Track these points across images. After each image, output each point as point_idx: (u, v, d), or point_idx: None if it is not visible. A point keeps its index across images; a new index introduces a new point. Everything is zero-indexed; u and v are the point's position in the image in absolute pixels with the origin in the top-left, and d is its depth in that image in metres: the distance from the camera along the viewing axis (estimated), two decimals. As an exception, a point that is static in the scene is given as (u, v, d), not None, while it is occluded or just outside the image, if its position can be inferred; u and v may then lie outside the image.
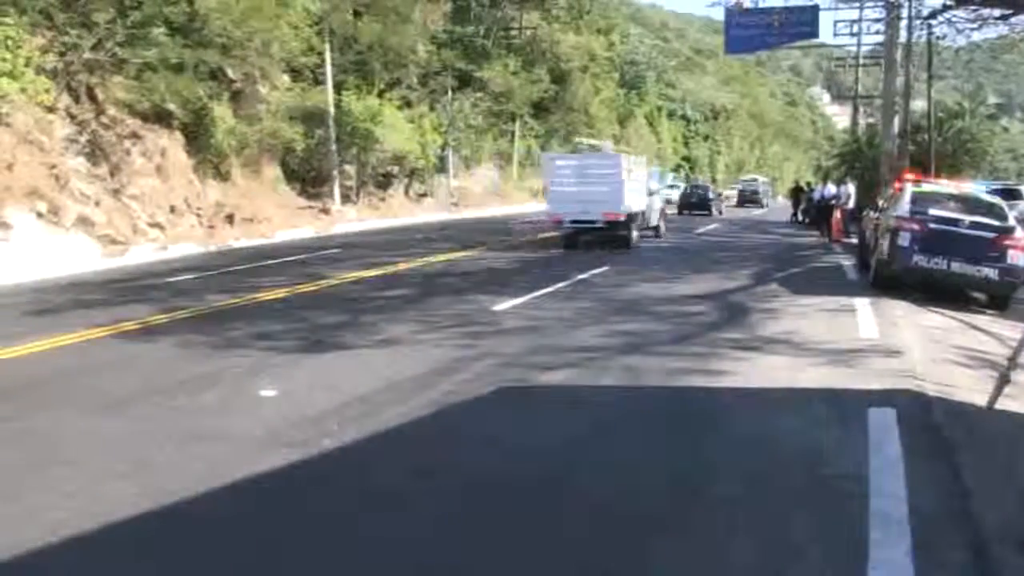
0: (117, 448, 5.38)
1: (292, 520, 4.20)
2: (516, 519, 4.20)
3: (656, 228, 23.19)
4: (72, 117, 20.00)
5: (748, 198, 51.81)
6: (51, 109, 18.95)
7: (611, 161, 20.48)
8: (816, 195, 27.92)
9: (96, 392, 6.85)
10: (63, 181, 18.32)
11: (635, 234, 20.14)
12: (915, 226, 11.76)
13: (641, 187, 21.05)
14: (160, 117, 22.67)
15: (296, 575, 3.66)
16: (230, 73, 25.69)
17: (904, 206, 12.33)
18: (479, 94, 40.19)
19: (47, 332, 9.28)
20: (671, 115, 73.58)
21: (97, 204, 18.88)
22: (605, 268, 14.91)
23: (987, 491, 4.36)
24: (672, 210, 33.34)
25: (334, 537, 4.00)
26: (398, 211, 32.70)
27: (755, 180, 59.24)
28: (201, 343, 8.69)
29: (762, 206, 49.90)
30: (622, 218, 19.14)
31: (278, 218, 24.76)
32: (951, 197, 12.80)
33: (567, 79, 48.87)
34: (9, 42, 15.46)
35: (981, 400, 6.03)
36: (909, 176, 14.65)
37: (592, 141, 39.77)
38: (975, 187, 15.30)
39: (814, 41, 33.78)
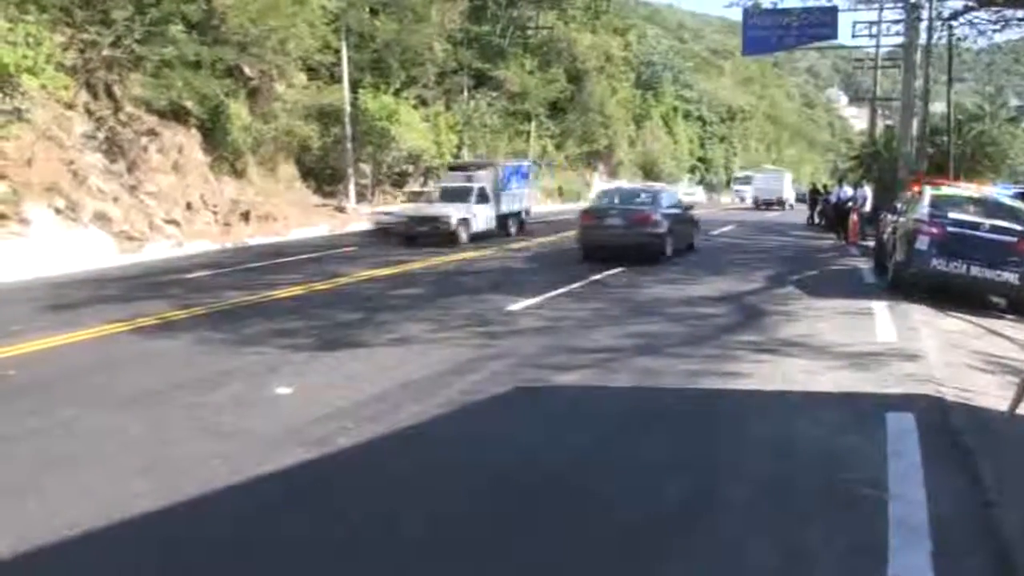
0: (135, 444, 5.40)
1: (307, 519, 4.19)
2: (530, 519, 4.19)
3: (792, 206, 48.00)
4: (90, 114, 20.16)
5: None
6: (70, 106, 19.11)
7: (779, 173, 54.12)
8: (833, 197, 27.77)
9: (114, 388, 6.89)
10: (81, 177, 18.46)
11: (785, 206, 47.57)
12: (934, 229, 11.65)
13: (789, 186, 51.53)
14: (177, 114, 22.81)
15: (310, 573, 3.66)
16: (247, 71, 25.82)
17: (923, 209, 12.21)
18: (495, 93, 40.18)
19: (66, 328, 9.35)
20: (687, 116, 73.26)
21: (114, 200, 19.00)
22: (620, 269, 14.86)
23: (1008, 498, 4.30)
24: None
25: (348, 536, 4.00)
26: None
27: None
28: (218, 340, 8.73)
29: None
30: (783, 199, 49.15)
31: (293, 216, 24.84)
32: (971, 200, 12.66)
33: (583, 79, 48.78)
34: (30, 39, 15.55)
35: (1002, 406, 5.96)
36: (928, 179, 14.51)
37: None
38: (996, 190, 15.14)
39: (832, 42, 33.53)
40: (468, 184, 22.43)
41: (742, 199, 57.14)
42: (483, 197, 22.17)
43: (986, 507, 4.23)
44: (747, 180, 61.22)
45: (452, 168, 26.16)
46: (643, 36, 73.43)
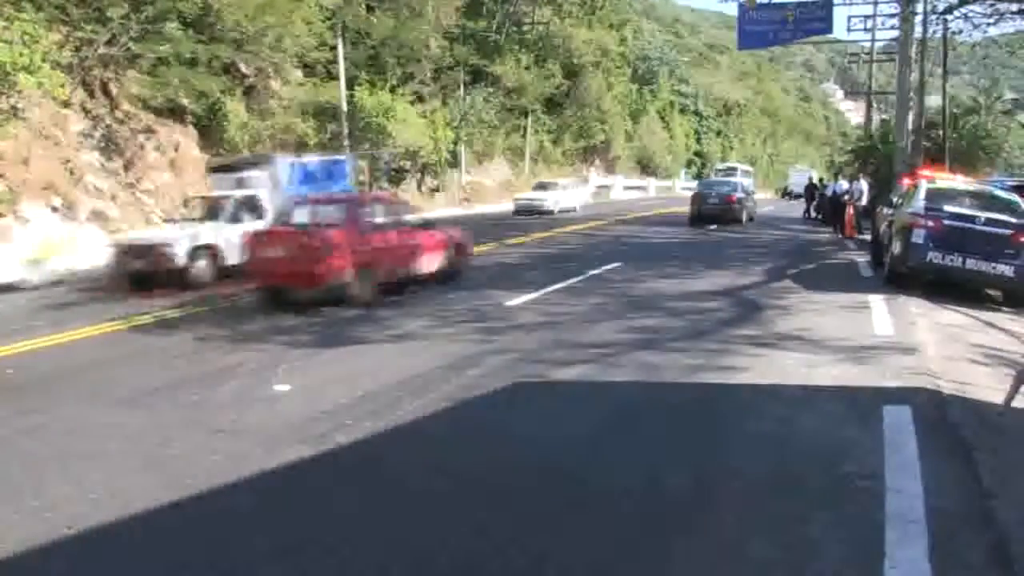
0: (135, 441, 5.42)
1: (306, 516, 4.22)
2: (529, 515, 4.21)
3: None
4: (87, 112, 20.15)
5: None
6: (66, 104, 19.08)
7: (807, 170, 56.65)
8: (829, 191, 27.81)
9: (114, 386, 6.91)
10: (78, 175, 18.45)
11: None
12: (930, 223, 11.66)
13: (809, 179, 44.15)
14: (174, 112, 22.81)
15: (308, 570, 3.68)
16: (243, 68, 25.79)
17: (919, 203, 12.23)
18: (491, 89, 40.13)
19: (65, 325, 9.37)
20: (683, 110, 73.21)
21: (112, 199, 19.00)
22: (618, 264, 14.88)
23: (1005, 490, 4.33)
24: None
25: (346, 532, 4.02)
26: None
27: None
28: (217, 337, 8.74)
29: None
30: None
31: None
32: (966, 193, 12.68)
33: (580, 74, 48.73)
34: (26, 37, 15.51)
35: (998, 399, 5.98)
36: (923, 172, 14.52)
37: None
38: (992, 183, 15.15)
39: (828, 36, 33.53)
40: (229, 193, 15.34)
41: None
42: (253, 210, 14.56)
43: (983, 499, 4.25)
44: (730, 171, 62.14)
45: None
46: (639, 31, 73.32)
